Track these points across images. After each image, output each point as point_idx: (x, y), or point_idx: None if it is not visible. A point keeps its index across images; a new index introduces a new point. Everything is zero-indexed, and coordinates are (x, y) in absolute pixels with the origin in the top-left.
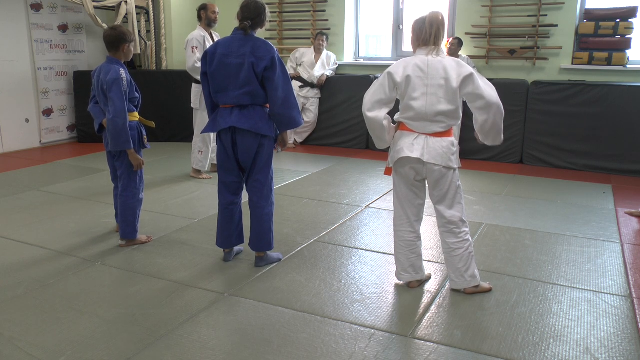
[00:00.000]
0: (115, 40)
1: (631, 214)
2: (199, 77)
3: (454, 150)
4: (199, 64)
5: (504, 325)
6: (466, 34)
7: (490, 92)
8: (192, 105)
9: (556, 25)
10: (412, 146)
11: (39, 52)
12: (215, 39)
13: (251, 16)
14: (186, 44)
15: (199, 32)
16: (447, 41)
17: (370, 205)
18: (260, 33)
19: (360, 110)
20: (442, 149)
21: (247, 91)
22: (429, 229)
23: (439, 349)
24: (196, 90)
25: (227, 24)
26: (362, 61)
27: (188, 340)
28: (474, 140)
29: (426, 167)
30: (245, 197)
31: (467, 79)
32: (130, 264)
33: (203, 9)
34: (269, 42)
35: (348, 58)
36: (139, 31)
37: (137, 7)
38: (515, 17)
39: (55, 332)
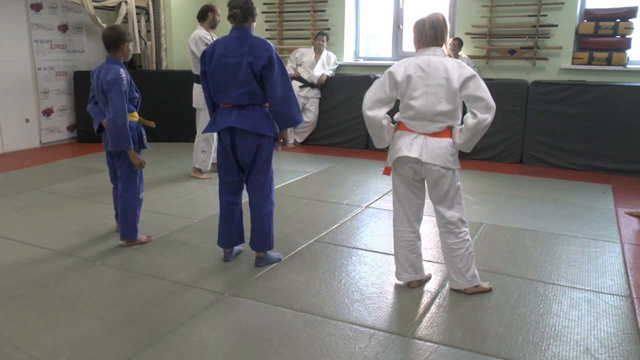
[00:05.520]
0: (115, 39)
1: (631, 214)
2: None
3: (453, 151)
4: None
5: (504, 325)
6: (466, 34)
7: (490, 96)
8: (194, 105)
9: (556, 25)
10: (410, 146)
11: (39, 52)
12: (214, 39)
13: (239, 3)
14: (194, 43)
15: (204, 31)
16: (449, 41)
17: (370, 205)
18: (260, 33)
19: (360, 110)
20: (441, 149)
21: (245, 91)
22: (429, 229)
23: (439, 349)
24: (199, 90)
25: (226, 24)
26: (362, 61)
27: (188, 340)
28: None
29: (424, 167)
30: (245, 196)
31: (468, 80)
32: (130, 264)
33: (211, 10)
34: (268, 41)
35: (348, 58)
36: (139, 31)
37: (137, 7)
38: (515, 17)
39: (55, 332)
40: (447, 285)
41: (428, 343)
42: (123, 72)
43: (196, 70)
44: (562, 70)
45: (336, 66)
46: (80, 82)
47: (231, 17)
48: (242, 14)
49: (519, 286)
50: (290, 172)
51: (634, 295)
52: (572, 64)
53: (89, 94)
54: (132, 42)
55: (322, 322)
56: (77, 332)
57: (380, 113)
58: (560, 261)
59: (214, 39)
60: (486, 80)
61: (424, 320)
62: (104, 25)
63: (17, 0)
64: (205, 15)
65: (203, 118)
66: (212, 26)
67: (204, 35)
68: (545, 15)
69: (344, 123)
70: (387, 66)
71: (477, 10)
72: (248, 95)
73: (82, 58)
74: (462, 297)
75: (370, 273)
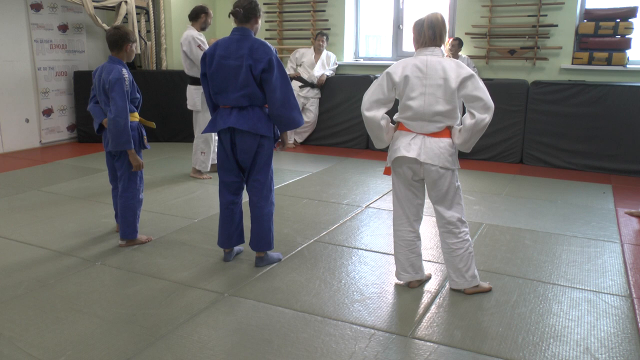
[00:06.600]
0: (119, 39)
1: (631, 214)
2: None
3: (452, 151)
4: None
5: (504, 325)
6: (466, 34)
7: (488, 95)
8: (189, 107)
9: (556, 25)
10: (409, 146)
11: (39, 52)
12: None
13: (243, 3)
14: (187, 44)
15: (196, 32)
16: (448, 41)
17: (370, 205)
18: (260, 33)
19: (360, 110)
20: (440, 149)
21: (245, 93)
22: (428, 229)
23: (439, 349)
24: (194, 92)
25: (227, 25)
26: (362, 61)
27: (188, 340)
28: None
29: (423, 167)
30: (245, 197)
31: (466, 80)
32: (130, 264)
33: (204, 12)
34: (268, 42)
35: (348, 58)
36: (139, 31)
37: (137, 7)
38: (515, 17)
39: (55, 332)
40: (447, 285)
41: (428, 343)
42: (125, 72)
43: (189, 71)
44: (562, 70)
45: (336, 66)
46: (80, 82)
47: (232, 15)
48: (243, 13)
49: (519, 286)
50: (290, 172)
51: (634, 295)
52: (572, 64)
53: (90, 94)
54: (135, 43)
55: (322, 322)
56: (77, 332)
57: (379, 114)
58: (560, 261)
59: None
60: (486, 80)
61: (424, 320)
62: (104, 25)
63: (17, 0)
64: (197, 16)
65: (201, 120)
66: (203, 28)
67: (197, 36)
68: (545, 15)
69: (344, 123)
70: (387, 66)
71: (477, 10)
72: (248, 97)
73: (82, 58)
74: (462, 297)
75: (370, 273)
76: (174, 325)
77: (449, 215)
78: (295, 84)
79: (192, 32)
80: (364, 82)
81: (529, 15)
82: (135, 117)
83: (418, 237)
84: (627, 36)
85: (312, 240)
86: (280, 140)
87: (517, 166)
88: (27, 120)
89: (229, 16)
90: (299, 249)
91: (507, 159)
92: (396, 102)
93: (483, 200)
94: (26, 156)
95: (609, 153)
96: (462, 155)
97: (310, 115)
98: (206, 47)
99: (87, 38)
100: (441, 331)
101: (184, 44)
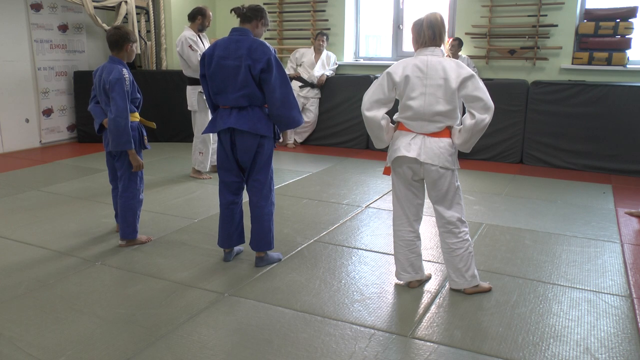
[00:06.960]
0: (120, 39)
1: (631, 214)
2: None
3: (452, 151)
4: None
5: (504, 325)
6: (466, 34)
7: (488, 96)
8: (189, 108)
9: (556, 25)
10: (409, 146)
11: (39, 52)
12: (204, 41)
13: (250, 6)
14: (180, 44)
15: (190, 32)
16: (447, 41)
17: (370, 205)
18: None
19: (360, 110)
20: (440, 149)
21: (244, 93)
22: (428, 229)
23: (439, 349)
24: (192, 93)
25: (227, 26)
26: (362, 61)
27: (188, 340)
28: None
29: (423, 167)
30: (246, 197)
31: (467, 80)
32: (130, 264)
33: (201, 14)
34: (267, 42)
35: (348, 58)
36: (139, 31)
37: (137, 7)
38: (515, 17)
39: (55, 332)
40: (447, 285)
41: (428, 343)
42: (126, 72)
43: (185, 72)
44: (562, 70)
45: (336, 66)
46: (80, 82)
47: (234, 11)
48: (246, 11)
49: (519, 286)
50: (290, 172)
51: (634, 295)
52: (572, 64)
53: (90, 94)
54: (136, 43)
55: (322, 322)
56: (77, 332)
57: (379, 113)
58: (560, 261)
59: (202, 41)
60: (486, 80)
61: (424, 320)
62: (104, 25)
63: (17, 0)
64: (194, 18)
65: (199, 120)
66: (200, 29)
67: (190, 37)
68: (545, 15)
69: (344, 123)
70: (387, 66)
71: (477, 10)
72: (247, 97)
73: (82, 58)
74: (462, 297)
75: (370, 273)
76: (174, 325)
77: (449, 215)
78: (295, 84)
79: (187, 32)
80: (364, 82)
81: (529, 15)
82: (136, 117)
83: (418, 237)
84: (627, 36)
85: (312, 240)
86: (280, 139)
87: (517, 166)
88: (27, 120)
89: (231, 12)
90: (299, 249)
91: (507, 159)
92: (396, 102)
93: (483, 200)
94: (26, 156)
95: (609, 153)
96: (462, 155)
97: (310, 115)
98: (198, 47)
99: (87, 38)
100: (441, 331)
101: (177, 44)
